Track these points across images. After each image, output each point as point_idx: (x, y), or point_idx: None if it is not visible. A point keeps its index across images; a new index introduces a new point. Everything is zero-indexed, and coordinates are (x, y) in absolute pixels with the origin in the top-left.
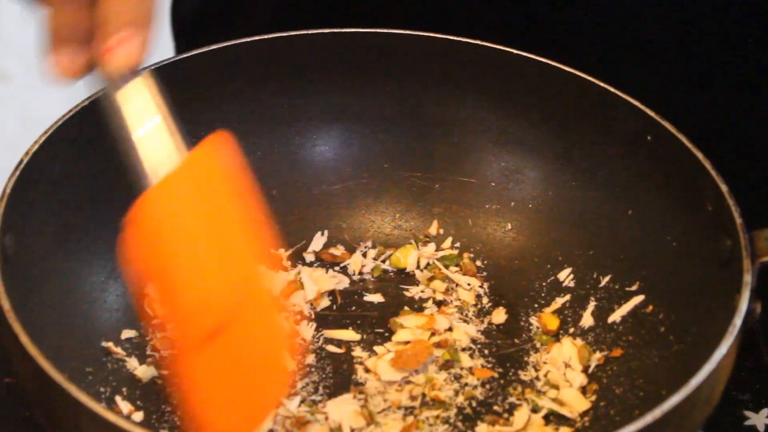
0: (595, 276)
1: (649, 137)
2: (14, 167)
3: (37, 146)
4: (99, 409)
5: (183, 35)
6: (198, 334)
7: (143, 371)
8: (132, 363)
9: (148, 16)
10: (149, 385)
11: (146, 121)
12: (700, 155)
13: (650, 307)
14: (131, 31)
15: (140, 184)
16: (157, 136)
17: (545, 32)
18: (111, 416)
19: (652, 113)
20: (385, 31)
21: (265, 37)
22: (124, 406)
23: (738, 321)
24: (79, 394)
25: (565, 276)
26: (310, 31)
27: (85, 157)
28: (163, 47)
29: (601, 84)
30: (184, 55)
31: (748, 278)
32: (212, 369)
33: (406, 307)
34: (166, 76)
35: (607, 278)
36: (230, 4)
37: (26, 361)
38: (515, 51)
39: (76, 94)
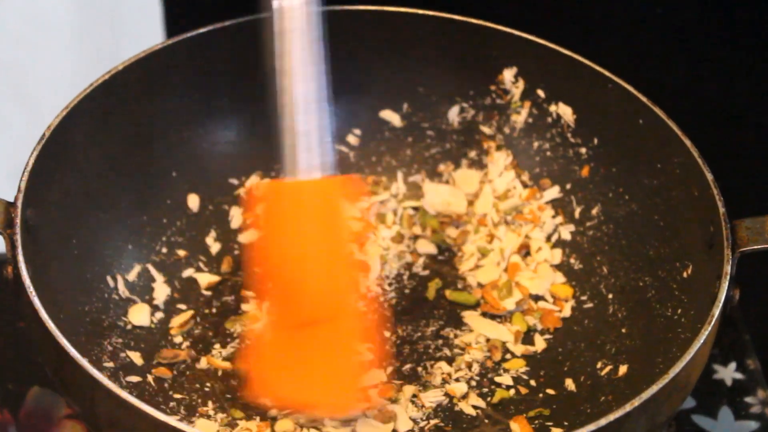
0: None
1: (640, 121)
2: (36, 141)
3: (58, 120)
4: (112, 386)
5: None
6: (292, 319)
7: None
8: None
9: None
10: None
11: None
12: (688, 142)
13: (640, 284)
14: None
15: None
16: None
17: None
18: (123, 394)
19: (644, 98)
20: (402, 10)
21: None
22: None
23: (716, 311)
24: (92, 370)
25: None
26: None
27: (103, 130)
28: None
29: (594, 66)
30: (202, 30)
31: (727, 268)
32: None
33: None
34: (185, 51)
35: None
36: None
37: (46, 337)
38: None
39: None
